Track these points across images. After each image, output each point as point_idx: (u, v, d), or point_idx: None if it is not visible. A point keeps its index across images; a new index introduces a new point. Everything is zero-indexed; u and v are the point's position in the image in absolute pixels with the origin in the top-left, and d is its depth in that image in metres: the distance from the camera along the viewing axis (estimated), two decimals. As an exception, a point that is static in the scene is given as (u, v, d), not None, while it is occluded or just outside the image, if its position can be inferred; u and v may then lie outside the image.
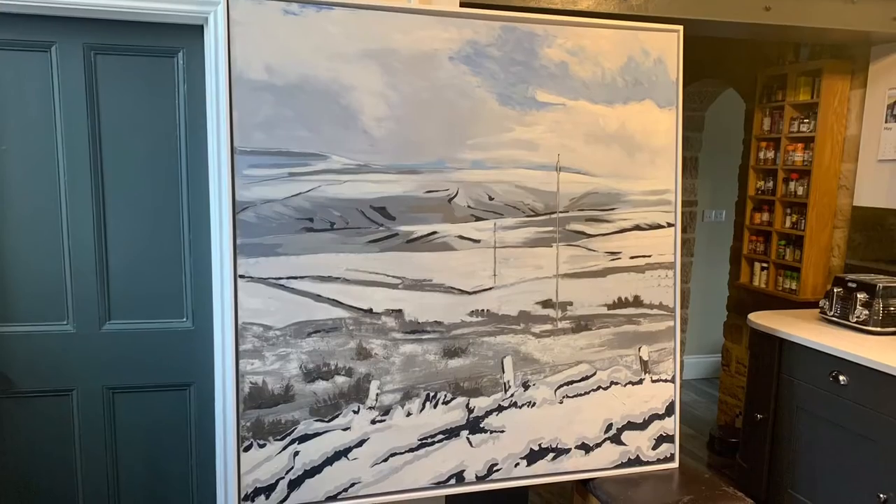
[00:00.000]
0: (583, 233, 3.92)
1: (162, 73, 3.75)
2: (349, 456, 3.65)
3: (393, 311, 3.67)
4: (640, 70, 3.95)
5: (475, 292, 3.77)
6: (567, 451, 3.97)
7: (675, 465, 4.16)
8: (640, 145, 3.98)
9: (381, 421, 3.68)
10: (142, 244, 3.83)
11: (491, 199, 3.75)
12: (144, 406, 3.94)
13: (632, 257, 4.02)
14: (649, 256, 4.05)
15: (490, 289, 3.79)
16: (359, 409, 3.65)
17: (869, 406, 4.38)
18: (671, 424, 4.15)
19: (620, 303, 4.01)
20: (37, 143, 3.65)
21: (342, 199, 3.56)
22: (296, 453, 3.58)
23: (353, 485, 3.66)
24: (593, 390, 4.00)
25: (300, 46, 3.47)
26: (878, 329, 4.83)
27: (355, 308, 3.62)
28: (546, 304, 3.89)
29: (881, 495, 4.29)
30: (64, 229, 3.73)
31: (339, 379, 3.63)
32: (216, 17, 3.59)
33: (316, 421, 3.60)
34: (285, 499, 3.57)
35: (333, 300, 3.59)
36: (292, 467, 3.58)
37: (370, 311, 3.64)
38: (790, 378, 5.02)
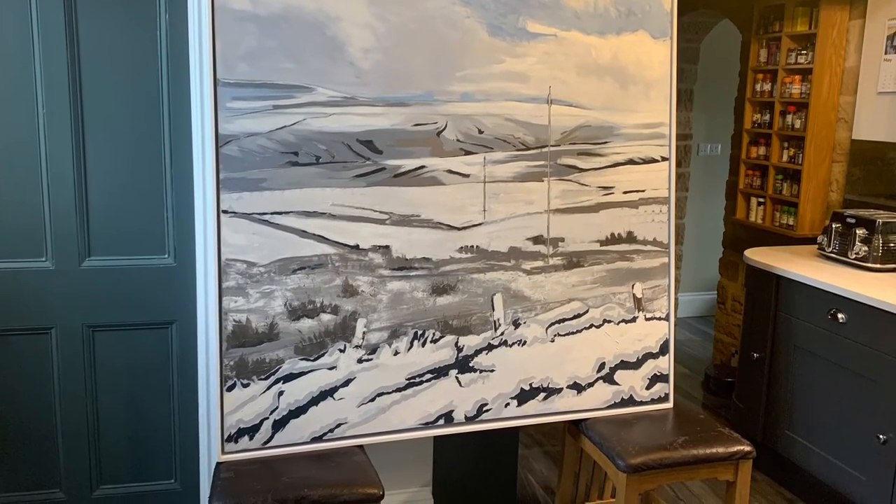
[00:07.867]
0: (575, 167, 3.83)
1: (143, 3, 3.66)
2: (335, 396, 3.58)
3: (380, 247, 3.59)
4: (633, 0, 3.86)
5: (464, 228, 3.69)
6: (558, 390, 3.91)
7: (669, 405, 4.11)
8: (633, 77, 3.89)
9: (367, 360, 3.61)
10: (122, 178, 3.75)
11: (480, 132, 3.67)
12: (125, 344, 3.89)
13: (625, 192, 3.94)
14: (643, 191, 3.97)
15: (479, 224, 3.71)
16: (345, 348, 3.58)
17: (868, 344, 4.32)
18: (665, 363, 4.09)
19: (613, 239, 3.94)
20: (14, 76, 3.56)
21: (328, 132, 3.47)
22: (280, 393, 3.52)
23: (339, 425, 3.60)
24: (585, 328, 3.94)
25: (282, -27, 3.38)
26: (878, 265, 4.77)
27: (341, 244, 3.54)
28: (537, 240, 3.81)
29: (881, 436, 4.24)
30: (42, 163, 3.64)
31: (325, 317, 3.56)
32: (196, -57, 3.50)
33: (301, 360, 3.53)
34: (269, 439, 3.51)
35: (319, 236, 3.51)
36: (277, 407, 3.51)
37: (356, 247, 3.56)
38: (787, 316, 4.96)
